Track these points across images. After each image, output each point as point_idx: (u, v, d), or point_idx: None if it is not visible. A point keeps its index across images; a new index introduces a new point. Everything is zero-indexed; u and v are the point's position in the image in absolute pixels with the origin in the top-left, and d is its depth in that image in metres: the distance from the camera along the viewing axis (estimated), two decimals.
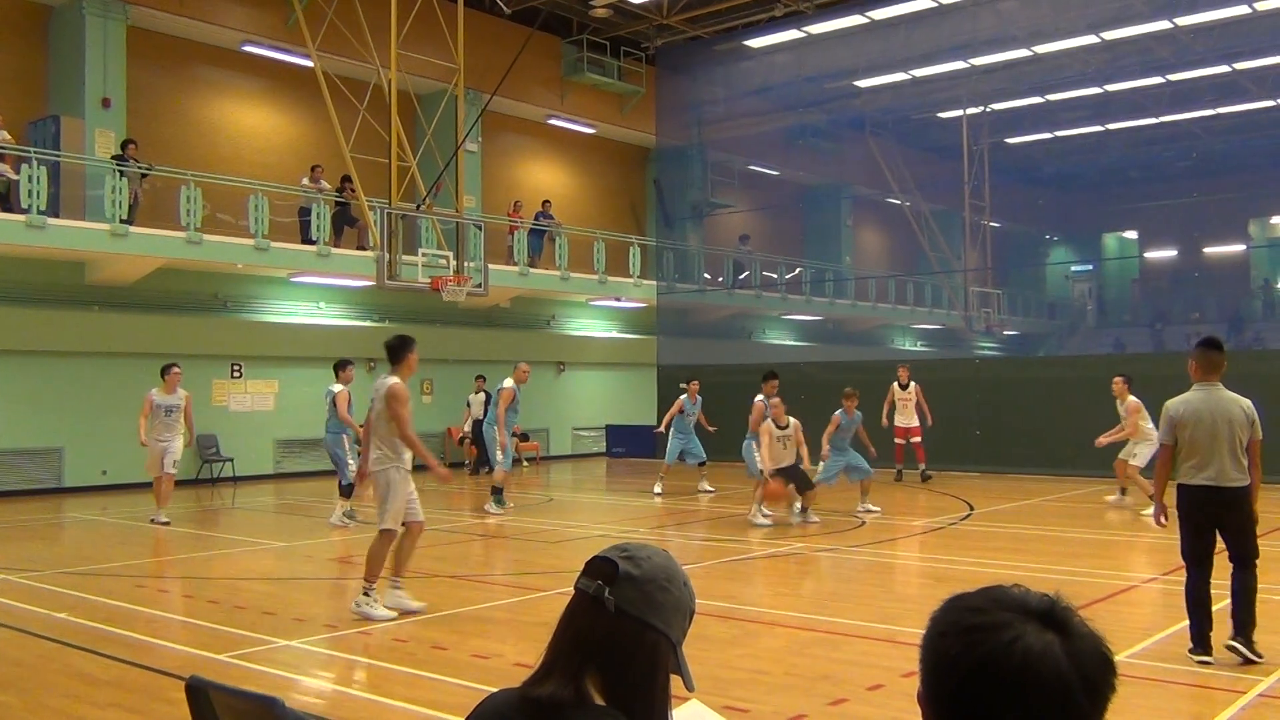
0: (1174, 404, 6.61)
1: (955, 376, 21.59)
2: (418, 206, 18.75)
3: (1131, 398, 13.93)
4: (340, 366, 14.13)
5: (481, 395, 21.09)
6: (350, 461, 13.51)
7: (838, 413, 13.88)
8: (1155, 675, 6.17)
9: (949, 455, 19.75)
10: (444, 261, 18.56)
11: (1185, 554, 6.53)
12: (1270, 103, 29.59)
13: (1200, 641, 6.32)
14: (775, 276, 30.29)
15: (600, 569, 1.81)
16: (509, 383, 14.54)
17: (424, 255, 18.49)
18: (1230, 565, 6.48)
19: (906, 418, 18.37)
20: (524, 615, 8.17)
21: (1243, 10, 23.23)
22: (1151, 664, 6.39)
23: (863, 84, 28.43)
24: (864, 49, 26.08)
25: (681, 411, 16.97)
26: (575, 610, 1.83)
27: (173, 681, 6.02)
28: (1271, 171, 31.35)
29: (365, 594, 7.96)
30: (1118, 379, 14.32)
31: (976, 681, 1.27)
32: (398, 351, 8.21)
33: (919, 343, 35.86)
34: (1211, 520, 6.44)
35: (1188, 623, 6.45)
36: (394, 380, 8.09)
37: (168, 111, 20.84)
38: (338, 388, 13.89)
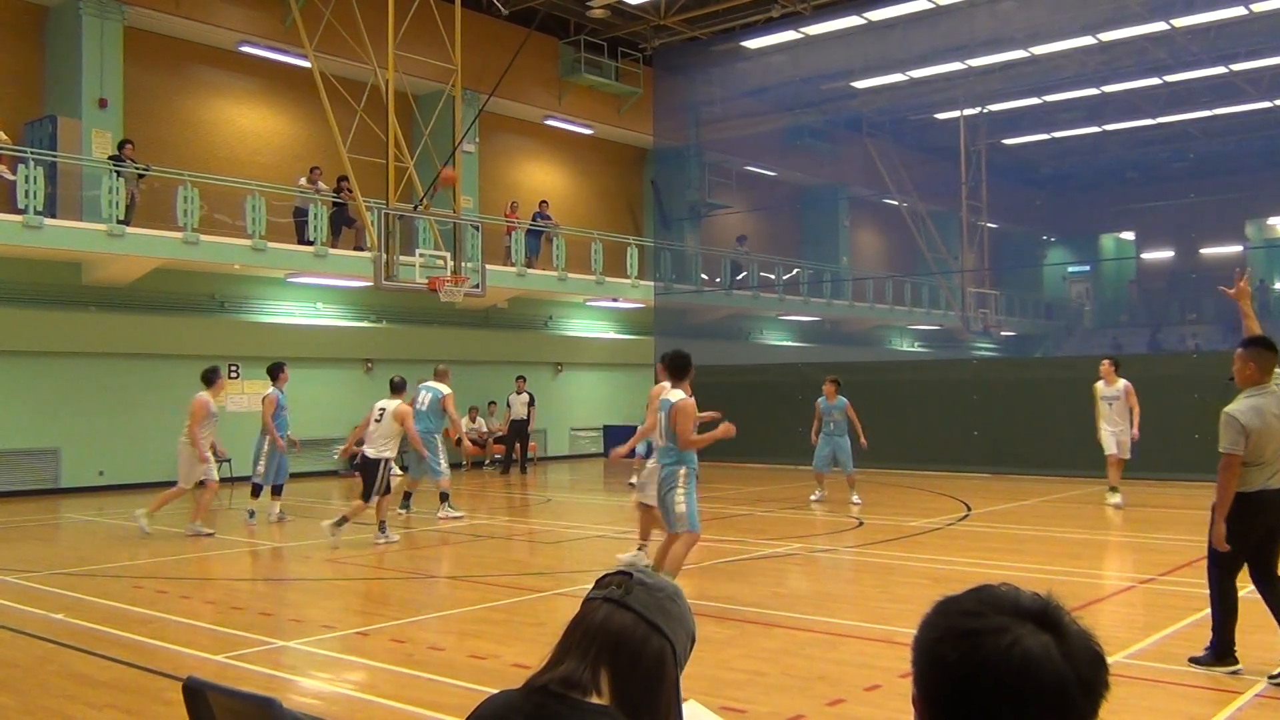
0: (1240, 412, 6.07)
1: (952, 377, 21.61)
2: (415, 207, 18.75)
3: (1123, 379, 14.09)
4: (277, 370, 14.19)
5: (524, 396, 21.26)
6: (261, 465, 14.00)
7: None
8: (1153, 675, 6.17)
9: (946, 456, 19.77)
10: (441, 262, 18.56)
11: (1229, 563, 6.14)
12: (1267, 104, 29.64)
13: (1231, 652, 6.12)
14: (773, 277, 30.30)
15: (614, 578, 1.93)
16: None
17: (421, 256, 18.49)
18: (1256, 577, 6.19)
19: None
20: (521, 616, 8.17)
21: (1239, 11, 23.27)
22: (1149, 664, 6.39)
23: (860, 85, 28.46)
24: (861, 50, 26.10)
25: None
26: (588, 611, 1.91)
27: (170, 682, 6.01)
28: (1268, 172, 31.41)
29: None
30: (1106, 361, 14.36)
31: (975, 685, 1.27)
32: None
33: (916, 343, 35.88)
34: (1272, 526, 6.15)
35: (1214, 636, 6.17)
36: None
37: (164, 112, 20.82)
38: (272, 391, 13.94)
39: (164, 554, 11.50)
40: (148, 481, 18.92)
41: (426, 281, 18.15)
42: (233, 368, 20.39)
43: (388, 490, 11.94)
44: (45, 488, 17.88)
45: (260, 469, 14.08)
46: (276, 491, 14.21)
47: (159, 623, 7.83)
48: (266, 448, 14.05)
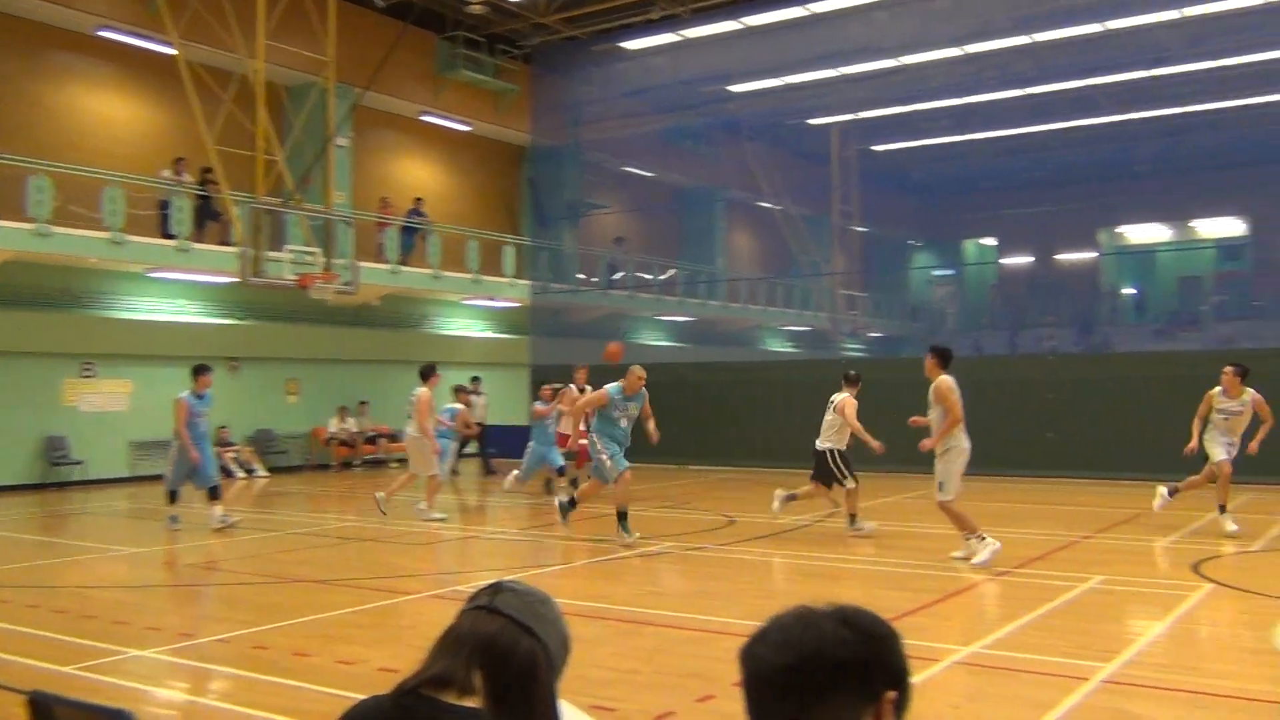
0: None
1: (822, 376, 22.02)
2: (284, 201, 18.27)
3: (1250, 389, 11.66)
4: (201, 371, 13.54)
5: (483, 397, 20.75)
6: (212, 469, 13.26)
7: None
8: (1005, 664, 6.38)
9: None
10: (312, 258, 18.13)
11: None
12: (1120, 117, 31.10)
13: None
14: (650, 277, 30.49)
15: (484, 590, 1.96)
16: (609, 386, 12.60)
17: (291, 252, 18.02)
18: None
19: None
20: (390, 620, 8.03)
21: (1096, 28, 24.37)
22: (1004, 654, 6.62)
23: (737, 89, 28.88)
24: (738, 54, 26.47)
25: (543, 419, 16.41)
26: (458, 621, 1.93)
27: (14, 697, 5.72)
28: (1119, 183, 33.07)
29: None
30: (1229, 368, 11.75)
31: (792, 672, 1.58)
32: None
33: (788, 343, 36.61)
34: None
35: None
36: None
37: (15, 96, 19.81)
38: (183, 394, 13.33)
39: (10, 561, 10.95)
40: None
41: (297, 278, 17.71)
42: (87, 366, 19.55)
43: (840, 481, 12.27)
44: None
45: (211, 472, 13.18)
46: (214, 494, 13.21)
47: (2, 634, 7.45)
48: (176, 452, 13.22)
